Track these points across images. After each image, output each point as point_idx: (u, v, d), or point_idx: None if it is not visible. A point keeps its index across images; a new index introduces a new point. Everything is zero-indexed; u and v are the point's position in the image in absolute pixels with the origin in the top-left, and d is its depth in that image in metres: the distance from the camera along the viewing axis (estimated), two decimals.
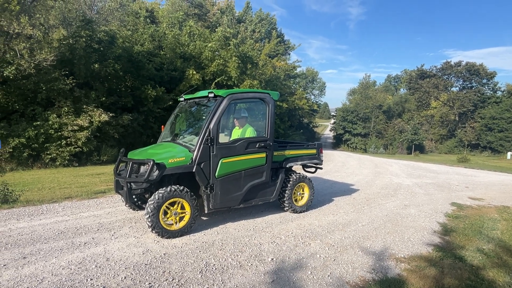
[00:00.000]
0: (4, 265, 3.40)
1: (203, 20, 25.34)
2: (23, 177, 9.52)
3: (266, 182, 5.18)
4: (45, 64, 12.49)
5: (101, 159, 13.58)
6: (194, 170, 4.38)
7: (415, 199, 7.90)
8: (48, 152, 12.12)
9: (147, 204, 4.16)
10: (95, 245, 4.04)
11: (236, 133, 5.32)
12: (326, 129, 76.08)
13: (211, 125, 4.44)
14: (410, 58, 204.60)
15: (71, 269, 3.35)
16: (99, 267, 3.42)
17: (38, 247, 3.92)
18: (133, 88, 16.23)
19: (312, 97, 58.26)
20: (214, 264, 3.62)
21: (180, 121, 5.71)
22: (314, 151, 6.29)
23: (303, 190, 6.05)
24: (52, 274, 3.23)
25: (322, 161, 6.44)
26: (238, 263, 3.69)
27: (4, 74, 11.65)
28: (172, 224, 4.34)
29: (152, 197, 4.18)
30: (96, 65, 14.36)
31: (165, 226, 4.23)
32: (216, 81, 19.01)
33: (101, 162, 13.48)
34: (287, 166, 5.74)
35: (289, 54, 39.45)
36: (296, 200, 5.94)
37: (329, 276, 3.49)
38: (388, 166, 16.86)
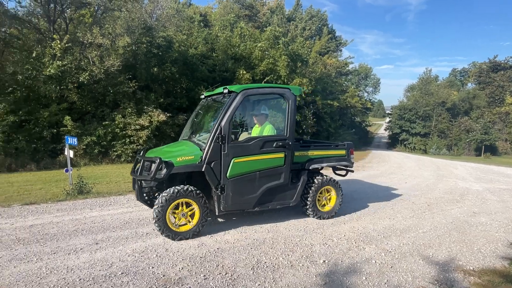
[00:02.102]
0: (81, 249, 3.83)
1: (253, 21, 25.75)
2: (94, 171, 10.64)
3: (285, 184, 4.79)
4: (113, 69, 13.81)
5: None
6: (203, 170, 4.19)
7: (486, 206, 7.07)
8: (114, 149, 13.39)
9: (154, 207, 4.07)
10: (156, 236, 4.35)
11: (256, 131, 5.09)
12: (380, 128, 72.08)
13: (223, 123, 4.23)
14: (480, 49, 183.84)
15: (135, 256, 3.66)
16: (159, 256, 3.68)
17: (108, 235, 4.35)
18: (187, 90, 17.11)
19: (365, 94, 55.51)
20: (265, 262, 3.65)
21: (199, 119, 5.57)
22: (343, 152, 5.69)
23: (329, 195, 5.49)
24: (120, 260, 3.55)
25: (352, 163, 5.80)
26: (289, 262, 3.68)
27: (80, 80, 13.15)
28: (181, 225, 4.22)
29: (159, 198, 4.09)
30: (155, 69, 15.46)
31: (173, 228, 4.11)
32: (265, 80, 19.16)
33: None
34: (310, 168, 5.20)
35: (341, 50, 38.14)
36: (322, 205, 5.43)
37: (386, 284, 3.29)
38: (452, 168, 15.37)
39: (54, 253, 3.70)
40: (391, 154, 25.23)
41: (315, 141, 6.76)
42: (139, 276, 3.20)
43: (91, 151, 12.88)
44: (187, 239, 4.18)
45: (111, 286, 2.99)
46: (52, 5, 14.75)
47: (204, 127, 5.28)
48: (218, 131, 4.22)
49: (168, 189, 4.13)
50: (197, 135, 5.10)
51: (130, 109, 14.14)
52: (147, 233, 4.44)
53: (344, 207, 6.16)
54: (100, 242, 4.07)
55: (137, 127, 13.66)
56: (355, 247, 4.24)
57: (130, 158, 13.48)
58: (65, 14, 15.39)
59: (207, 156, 4.20)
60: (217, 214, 4.49)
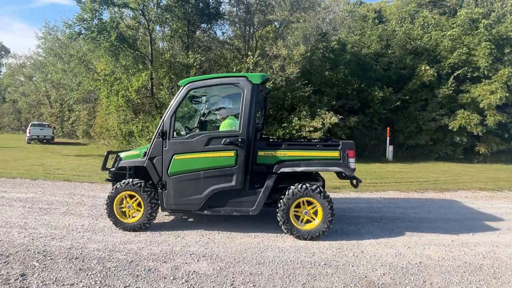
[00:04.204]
0: (284, 234, 4.39)
1: (438, 7, 22.08)
2: None
3: (239, 188, 4.18)
4: (292, 76, 15.25)
5: None
6: (145, 165, 4.31)
7: None
8: None
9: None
10: (346, 235, 4.44)
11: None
12: None
13: (165, 118, 4.26)
14: None
15: (333, 251, 3.85)
16: (356, 256, 3.71)
17: None
18: (359, 91, 16.68)
19: None
20: None
21: None
22: (334, 154, 4.27)
23: (313, 209, 4.22)
24: (320, 251, 3.83)
25: (352, 169, 4.24)
26: None
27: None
28: (128, 217, 4.41)
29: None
30: (327, 73, 15.94)
31: (120, 218, 4.36)
32: (455, 74, 16.11)
33: None
34: (278, 171, 4.19)
35: None
36: (303, 222, 4.26)
37: None
38: None
39: (267, 232, 4.42)
40: None
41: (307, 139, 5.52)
42: (341, 271, 3.33)
43: None
44: (135, 231, 4.32)
45: (318, 274, 3.26)
46: (247, 28, 17.91)
47: None
48: (160, 126, 4.27)
49: (119, 182, 4.42)
50: None
51: (305, 112, 15.18)
52: (336, 230, 4.60)
53: None
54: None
55: (311, 128, 14.50)
56: None
57: None
58: (255, 34, 18.34)
59: (150, 152, 4.32)
60: (160, 211, 4.47)
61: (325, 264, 3.49)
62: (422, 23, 18.11)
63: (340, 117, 14.91)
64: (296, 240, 4.17)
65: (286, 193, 4.19)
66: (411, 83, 16.58)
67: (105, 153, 4.93)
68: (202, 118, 5.41)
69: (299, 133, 14.69)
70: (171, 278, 3.11)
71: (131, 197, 4.36)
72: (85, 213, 5.22)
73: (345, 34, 19.97)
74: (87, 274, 3.13)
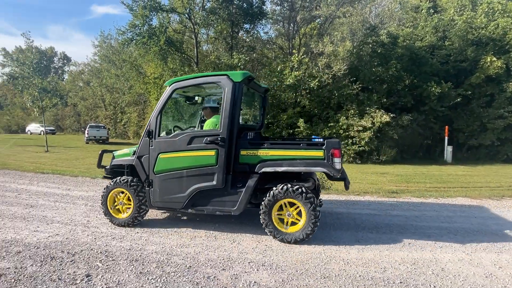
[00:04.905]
0: (347, 244, 4.03)
1: None
2: None
3: (221, 188, 4.14)
4: (339, 74, 14.58)
5: (380, 159, 14.00)
6: (133, 163, 4.47)
7: None
8: None
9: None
10: (420, 248, 3.94)
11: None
12: None
13: (151, 118, 4.38)
14: None
15: (407, 267, 3.40)
16: (437, 275, 3.23)
17: (366, 235, 4.38)
18: (412, 87, 15.48)
19: None
20: None
21: None
22: (318, 153, 4.00)
23: (296, 211, 4.05)
24: (392, 266, 3.41)
25: (337, 170, 3.93)
26: None
27: (311, 86, 14.80)
28: (120, 213, 4.62)
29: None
30: (374, 69, 14.98)
31: (113, 214, 4.58)
32: None
33: (380, 162, 13.91)
34: (260, 171, 4.08)
35: None
36: (286, 224, 4.10)
37: None
38: None
39: (327, 242, 4.09)
40: None
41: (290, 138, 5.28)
42: None
43: None
44: (125, 226, 4.51)
45: None
46: (291, 25, 17.53)
47: None
48: (148, 126, 4.37)
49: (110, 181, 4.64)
50: None
51: (352, 111, 14.46)
52: (409, 244, 4.11)
53: None
54: (361, 241, 4.15)
55: (360, 128, 13.75)
56: None
57: (351, 159, 13.79)
58: (299, 31, 17.89)
59: (138, 150, 4.47)
60: (148, 208, 4.58)
61: (401, 282, 3.07)
62: (486, 10, 16.30)
63: (391, 115, 13.95)
64: (362, 251, 3.79)
65: (268, 194, 4.07)
66: (473, 76, 15.00)
67: (100, 152, 5.17)
68: (203, 118, 5.30)
69: (347, 133, 14.03)
70: None
71: (124, 194, 4.58)
72: None
73: (395, 28, 18.65)
74: (148, 279, 3.07)
